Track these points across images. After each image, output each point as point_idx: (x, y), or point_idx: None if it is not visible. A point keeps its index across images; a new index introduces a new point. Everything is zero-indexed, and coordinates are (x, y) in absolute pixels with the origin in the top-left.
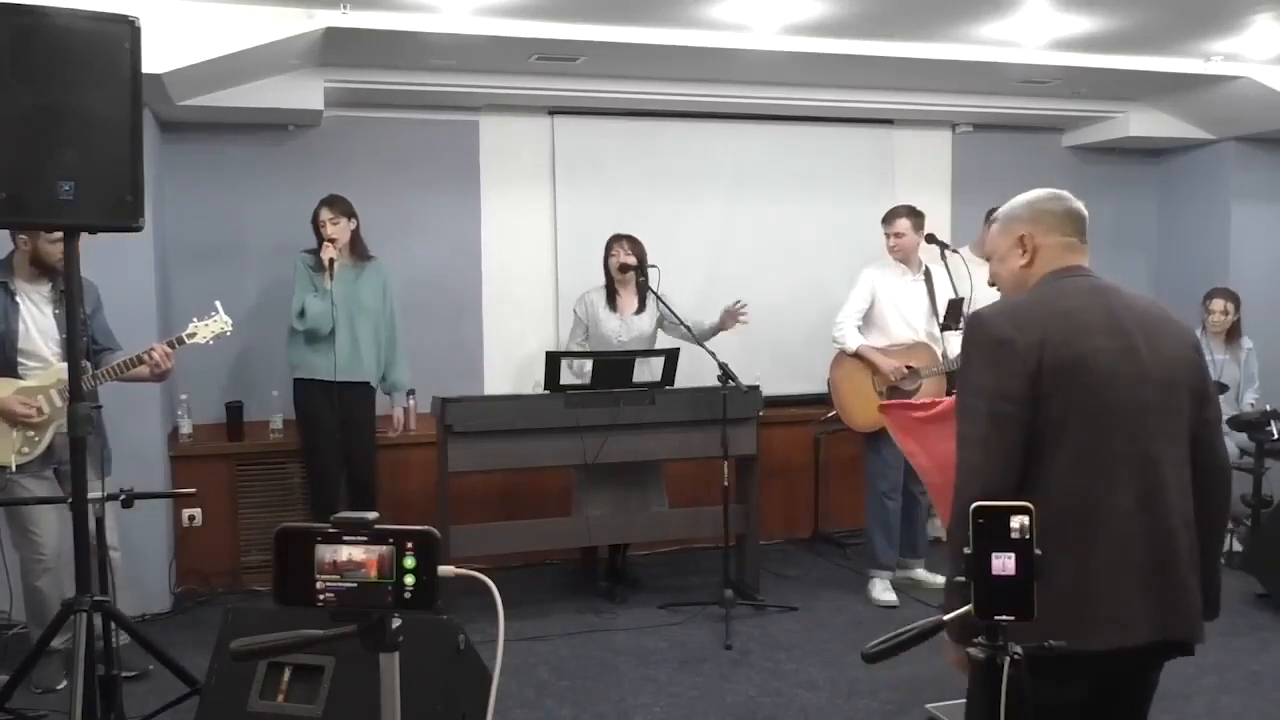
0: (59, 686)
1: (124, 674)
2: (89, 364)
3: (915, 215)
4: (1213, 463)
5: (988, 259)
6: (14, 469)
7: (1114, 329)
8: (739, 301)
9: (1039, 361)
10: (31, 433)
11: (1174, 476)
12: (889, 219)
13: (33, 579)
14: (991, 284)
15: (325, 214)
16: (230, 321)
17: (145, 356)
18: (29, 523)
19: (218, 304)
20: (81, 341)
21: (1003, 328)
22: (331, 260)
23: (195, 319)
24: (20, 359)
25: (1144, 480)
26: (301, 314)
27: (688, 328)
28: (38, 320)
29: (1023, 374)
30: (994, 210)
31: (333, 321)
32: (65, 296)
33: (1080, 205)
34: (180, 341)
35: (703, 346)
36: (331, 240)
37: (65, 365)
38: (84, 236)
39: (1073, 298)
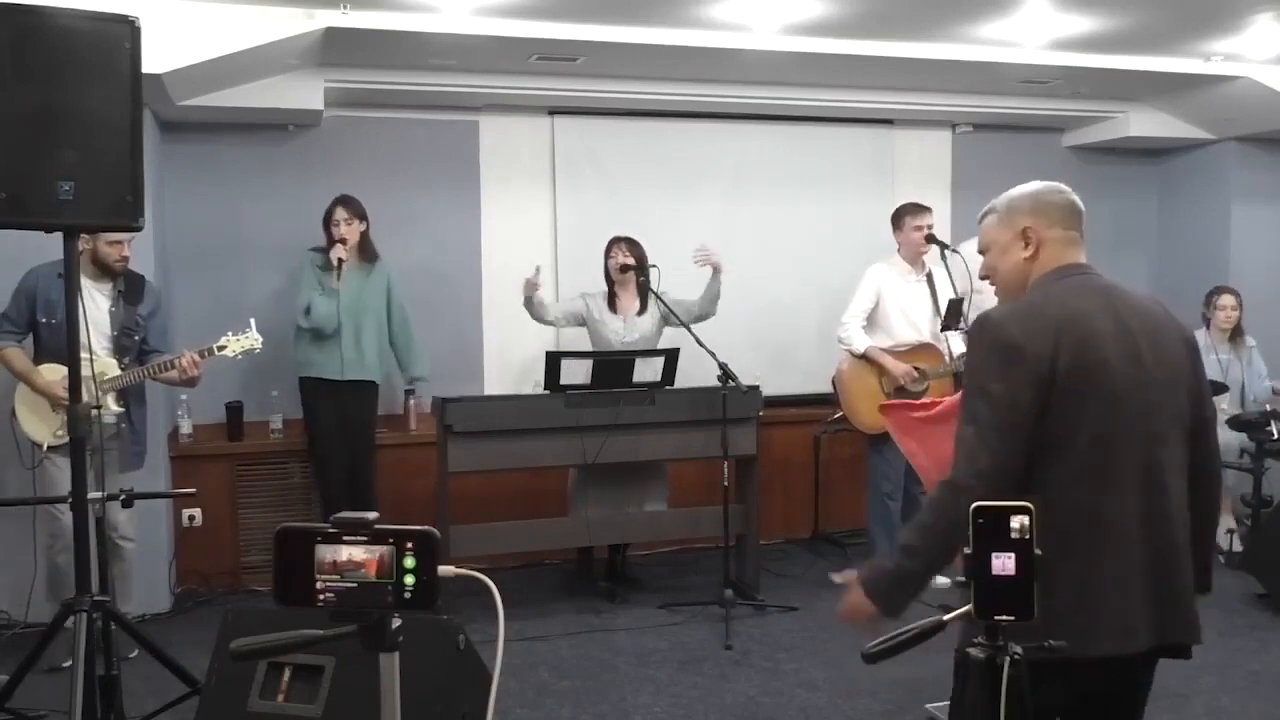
0: (64, 665)
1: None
2: (125, 361)
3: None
4: (1207, 461)
5: (983, 253)
6: (45, 448)
7: (1122, 335)
8: (699, 250)
9: (1051, 371)
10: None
11: (1176, 484)
12: (920, 213)
13: (53, 555)
14: (984, 277)
15: (341, 213)
16: (261, 340)
17: (174, 362)
18: (54, 504)
19: (251, 321)
20: (124, 340)
21: (1014, 333)
22: (340, 260)
23: (230, 332)
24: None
25: (1148, 489)
26: (307, 312)
27: (688, 327)
28: (93, 314)
29: (1033, 384)
30: (990, 209)
31: (338, 321)
32: (65, 297)
33: (1078, 199)
34: (210, 353)
35: (703, 347)
36: (342, 241)
37: (109, 360)
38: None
39: (1082, 300)
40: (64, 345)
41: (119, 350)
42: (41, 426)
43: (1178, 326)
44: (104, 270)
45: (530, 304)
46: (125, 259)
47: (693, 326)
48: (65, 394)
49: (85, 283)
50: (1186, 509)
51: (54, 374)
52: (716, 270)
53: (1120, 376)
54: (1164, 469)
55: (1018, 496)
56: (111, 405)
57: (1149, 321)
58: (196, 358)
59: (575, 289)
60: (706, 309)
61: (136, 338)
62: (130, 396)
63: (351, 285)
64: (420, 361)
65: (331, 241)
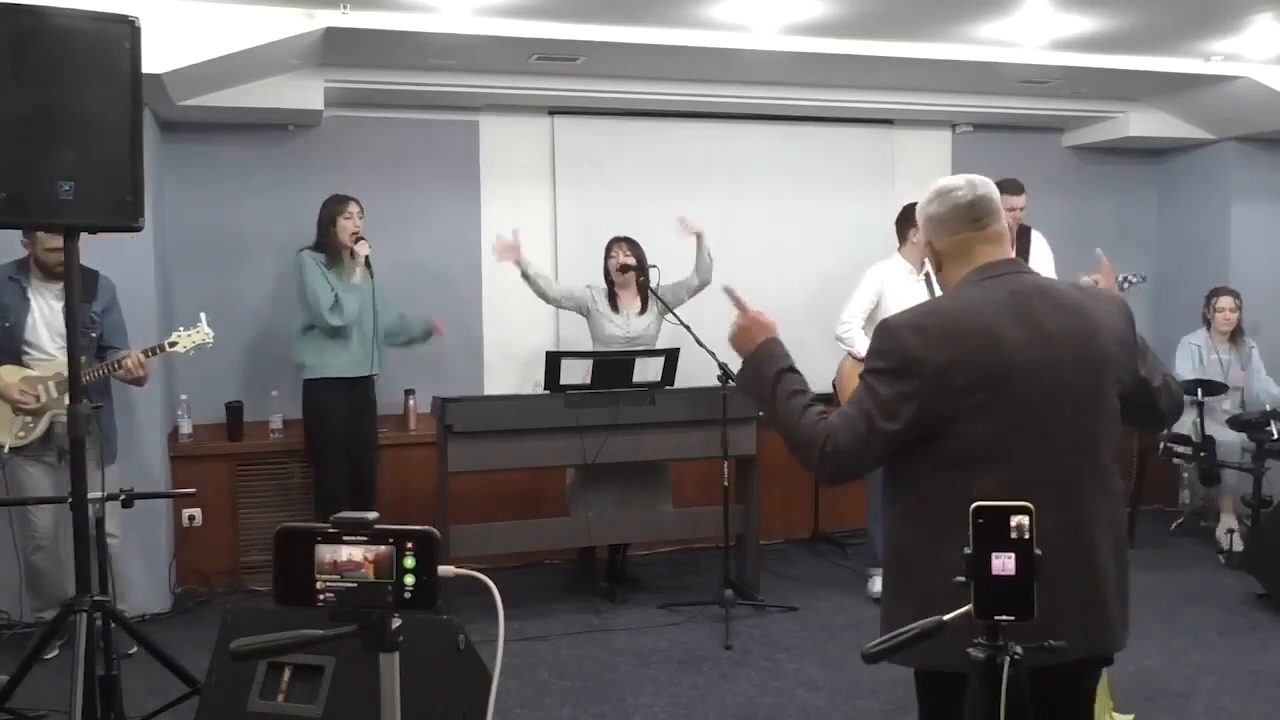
0: (49, 656)
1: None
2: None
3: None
4: (1153, 420)
5: None
6: (7, 449)
7: (1033, 342)
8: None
9: (946, 384)
10: (29, 419)
11: (1096, 490)
12: (1017, 190)
13: (29, 555)
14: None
15: (354, 208)
16: (212, 334)
17: (119, 364)
18: (26, 506)
19: (202, 315)
20: (81, 339)
21: (911, 344)
22: (367, 257)
23: (181, 328)
24: (25, 349)
25: (1064, 500)
26: (332, 309)
27: (687, 327)
28: (45, 315)
29: (918, 396)
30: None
31: (357, 317)
32: (65, 297)
33: (971, 190)
34: (161, 349)
35: (703, 347)
36: (358, 234)
37: (65, 359)
38: (84, 235)
39: (993, 306)
40: (15, 349)
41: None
42: (2, 429)
43: (1113, 317)
44: (50, 272)
45: (527, 279)
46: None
47: (692, 321)
48: (21, 396)
49: (36, 284)
50: (1116, 517)
51: (11, 376)
52: (700, 237)
53: (1026, 388)
54: (1082, 479)
55: (943, 507)
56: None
57: (1073, 322)
58: (141, 358)
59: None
60: (704, 278)
61: (93, 335)
62: (93, 394)
63: (359, 280)
64: (417, 321)
65: (333, 240)
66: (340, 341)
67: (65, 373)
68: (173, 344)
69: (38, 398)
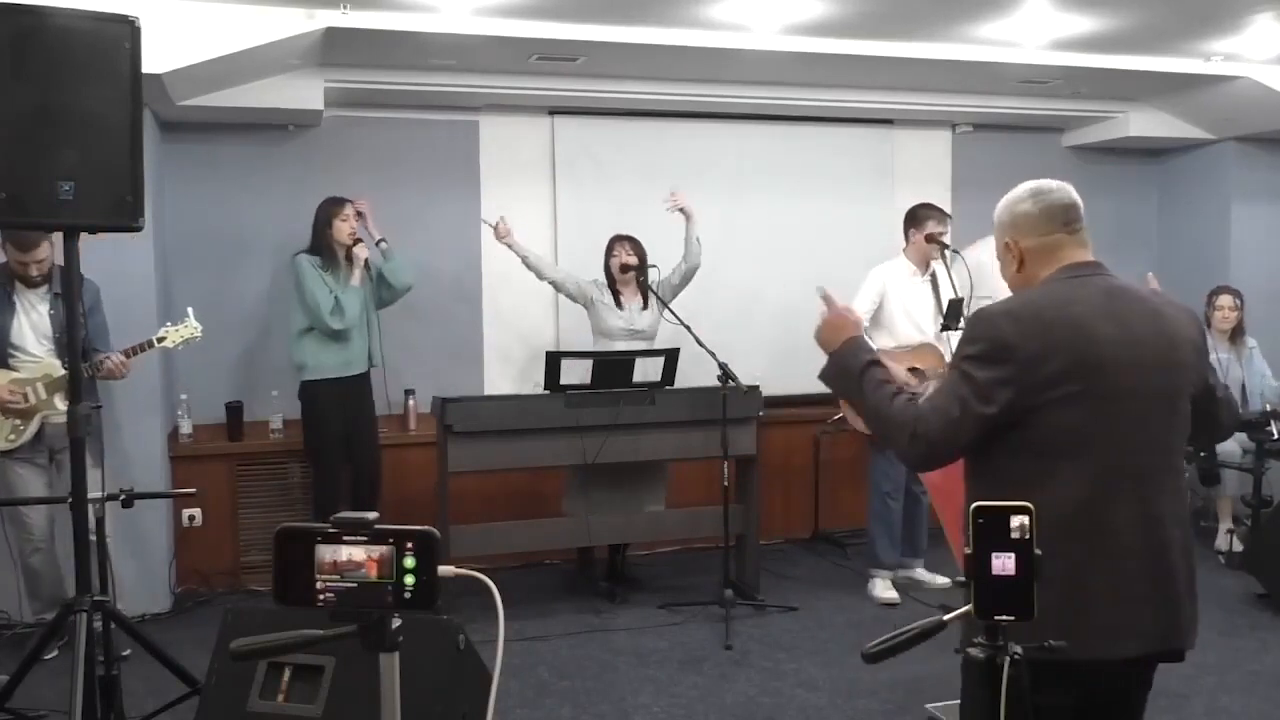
0: (48, 656)
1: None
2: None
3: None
4: (1214, 430)
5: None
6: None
7: (1122, 340)
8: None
9: (1039, 374)
10: (18, 421)
11: (1172, 487)
12: (944, 219)
13: (25, 557)
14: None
15: (350, 209)
16: (200, 328)
17: (99, 365)
18: (19, 508)
19: (189, 310)
20: (77, 341)
21: (1006, 331)
22: (366, 260)
23: (169, 323)
24: (12, 352)
25: (1144, 494)
26: (333, 312)
27: (687, 327)
28: (31, 317)
29: (1012, 384)
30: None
31: (358, 318)
32: (63, 297)
33: (1063, 196)
34: (150, 345)
35: (703, 347)
36: (355, 235)
37: (53, 361)
38: (84, 236)
39: (1083, 303)
40: (3, 351)
41: (62, 351)
42: None
43: (1187, 327)
44: (26, 280)
45: (527, 262)
46: (40, 265)
47: (692, 321)
48: (10, 397)
49: (20, 288)
50: (1184, 515)
51: None
52: (688, 217)
53: (1115, 384)
54: (1162, 476)
55: (1022, 492)
56: (59, 405)
57: (1156, 325)
58: (123, 358)
59: None
60: (692, 262)
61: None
62: (83, 395)
63: (357, 282)
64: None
65: (329, 242)
66: (340, 342)
67: (53, 374)
68: (160, 339)
69: (25, 397)
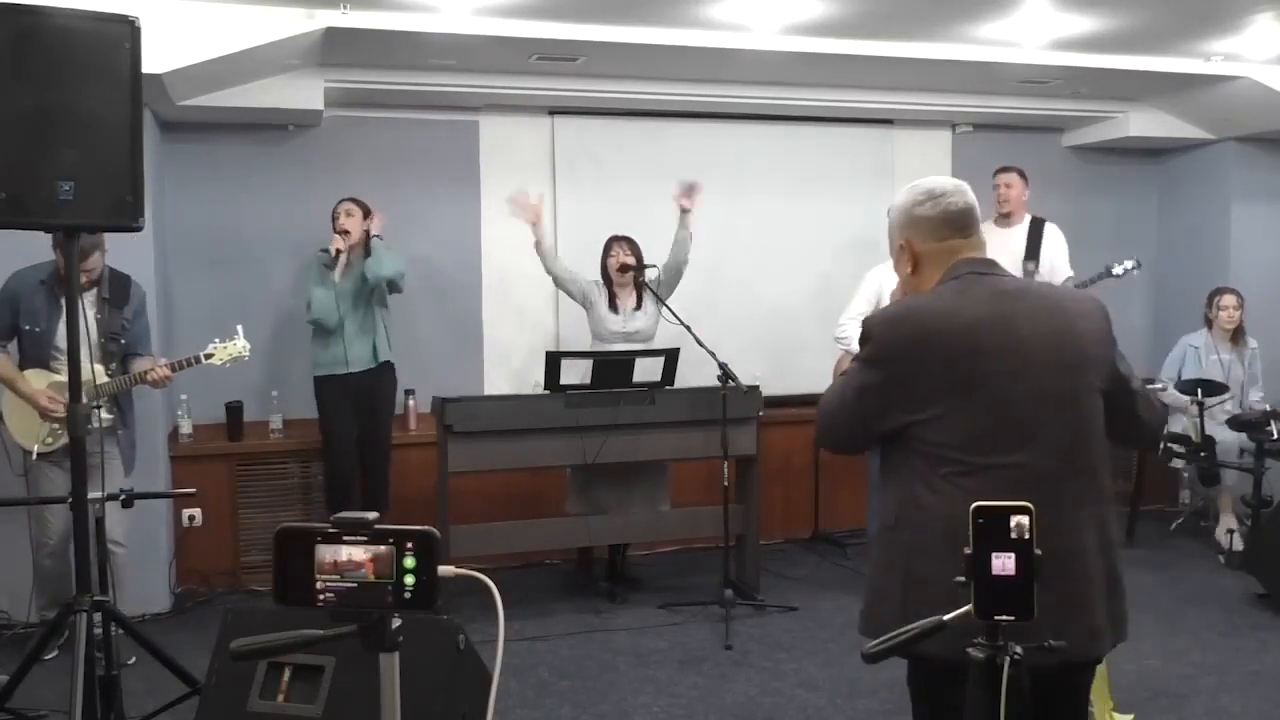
0: (48, 656)
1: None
2: (114, 366)
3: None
4: (1131, 414)
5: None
6: (35, 455)
7: (1007, 345)
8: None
9: (918, 382)
10: (56, 426)
11: (1080, 491)
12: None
13: (40, 557)
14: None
15: (345, 205)
16: (249, 347)
17: (145, 375)
18: (43, 506)
19: (239, 328)
20: (110, 345)
21: (884, 339)
22: (339, 251)
23: (217, 340)
24: (54, 354)
25: (1043, 502)
26: (309, 307)
27: (687, 327)
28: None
29: (887, 391)
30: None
31: (338, 315)
32: (66, 300)
33: (961, 196)
34: (196, 360)
35: (703, 347)
36: (344, 232)
37: (96, 366)
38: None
39: (969, 308)
40: (47, 353)
41: (106, 356)
42: (29, 434)
43: (1091, 321)
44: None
45: (540, 248)
46: (89, 272)
47: (692, 321)
48: (49, 403)
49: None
50: (1104, 511)
51: (39, 381)
52: (685, 212)
53: (1002, 388)
54: (1066, 475)
55: (923, 504)
56: (102, 412)
57: (1049, 324)
58: (169, 372)
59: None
60: (679, 255)
61: (122, 341)
62: (121, 401)
63: (353, 279)
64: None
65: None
66: (326, 338)
67: (96, 381)
68: (209, 355)
69: (65, 405)
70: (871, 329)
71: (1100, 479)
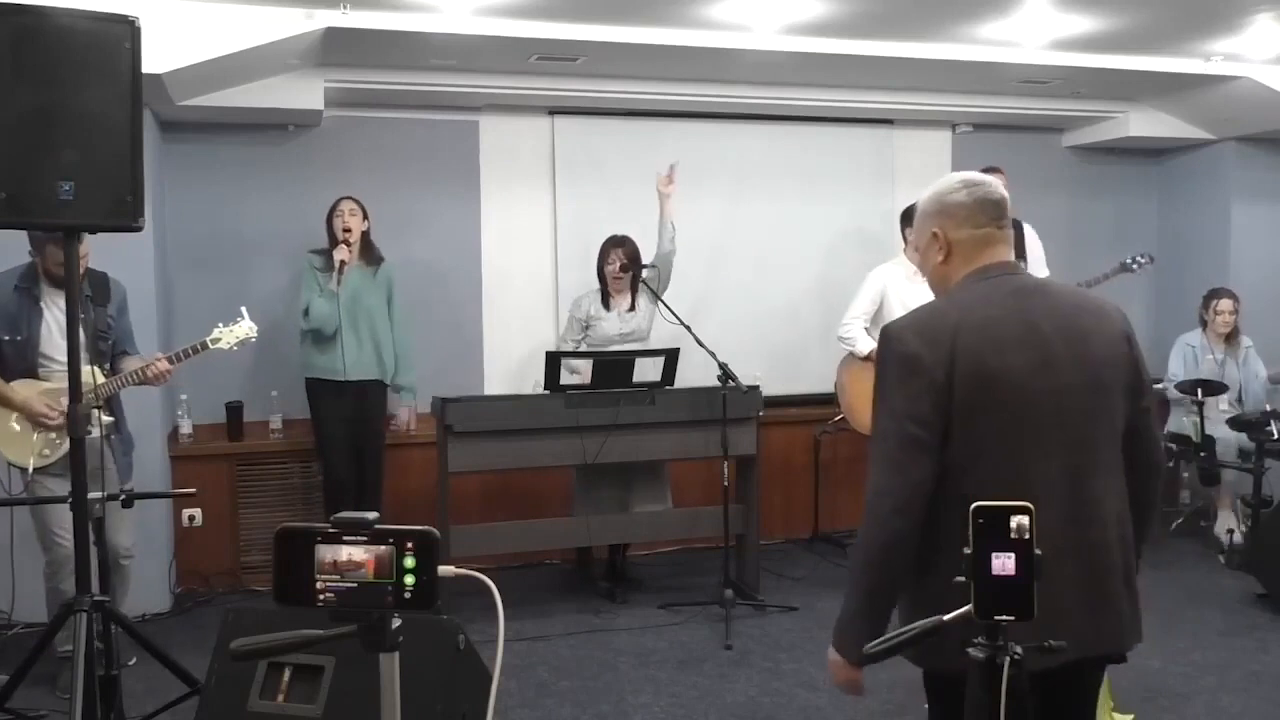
0: (64, 649)
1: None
2: (108, 367)
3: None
4: (1146, 456)
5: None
6: (31, 472)
7: (1030, 341)
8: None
9: (947, 380)
10: (53, 435)
11: (1107, 487)
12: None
13: (56, 581)
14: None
15: (347, 204)
16: (255, 328)
17: (144, 372)
18: (54, 525)
19: (243, 310)
20: (99, 344)
21: (910, 342)
22: (343, 262)
23: (220, 324)
24: (41, 361)
25: (1071, 496)
26: (306, 314)
27: (687, 327)
28: (60, 324)
29: (930, 392)
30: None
31: (338, 322)
32: (67, 300)
33: (995, 190)
34: (202, 347)
35: (703, 347)
36: (347, 230)
37: (86, 369)
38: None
39: (992, 305)
40: (31, 363)
41: (97, 356)
42: (22, 451)
43: (1110, 322)
44: (55, 282)
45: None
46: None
47: (692, 321)
48: (46, 410)
49: (48, 292)
50: (1124, 508)
51: (30, 390)
52: (663, 203)
53: (1024, 385)
54: (1090, 475)
55: (927, 506)
56: (100, 416)
57: (1070, 322)
58: (168, 365)
59: (575, 289)
60: (665, 246)
61: (110, 340)
62: (114, 405)
63: (351, 286)
64: (407, 371)
65: (334, 241)
66: (331, 344)
67: (96, 382)
68: (215, 340)
69: (62, 411)
70: (895, 340)
71: (1118, 477)
